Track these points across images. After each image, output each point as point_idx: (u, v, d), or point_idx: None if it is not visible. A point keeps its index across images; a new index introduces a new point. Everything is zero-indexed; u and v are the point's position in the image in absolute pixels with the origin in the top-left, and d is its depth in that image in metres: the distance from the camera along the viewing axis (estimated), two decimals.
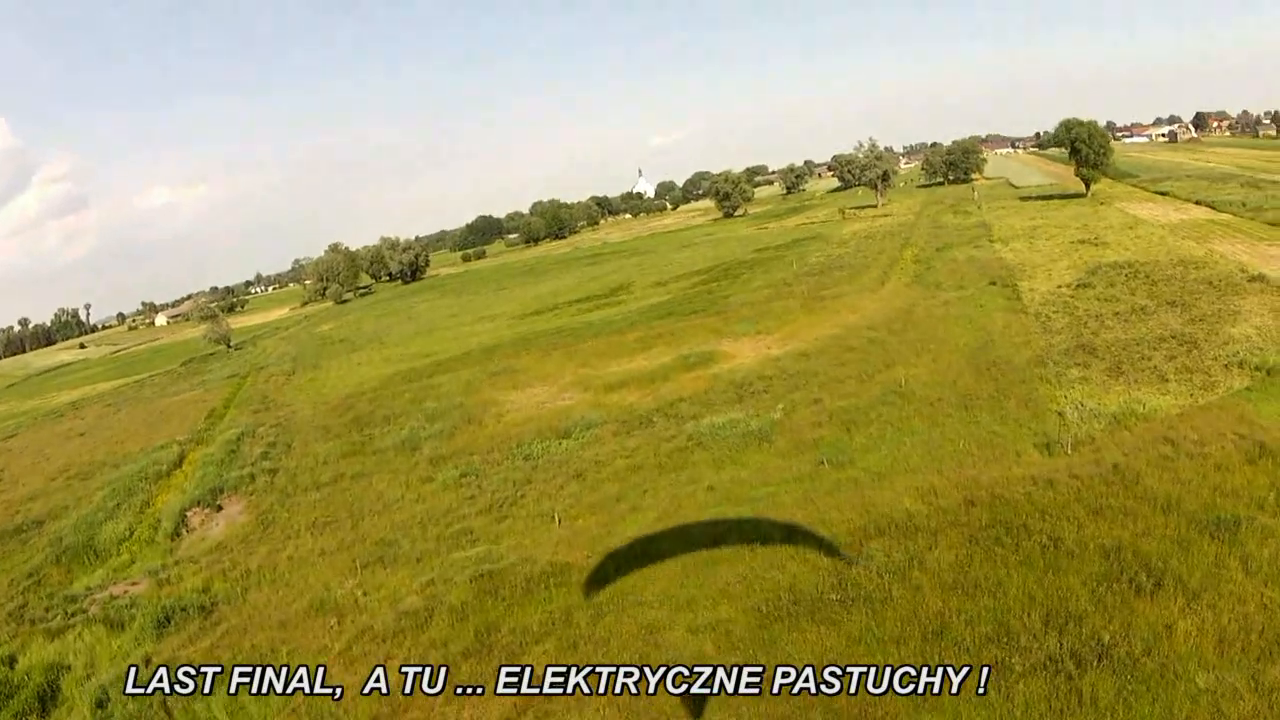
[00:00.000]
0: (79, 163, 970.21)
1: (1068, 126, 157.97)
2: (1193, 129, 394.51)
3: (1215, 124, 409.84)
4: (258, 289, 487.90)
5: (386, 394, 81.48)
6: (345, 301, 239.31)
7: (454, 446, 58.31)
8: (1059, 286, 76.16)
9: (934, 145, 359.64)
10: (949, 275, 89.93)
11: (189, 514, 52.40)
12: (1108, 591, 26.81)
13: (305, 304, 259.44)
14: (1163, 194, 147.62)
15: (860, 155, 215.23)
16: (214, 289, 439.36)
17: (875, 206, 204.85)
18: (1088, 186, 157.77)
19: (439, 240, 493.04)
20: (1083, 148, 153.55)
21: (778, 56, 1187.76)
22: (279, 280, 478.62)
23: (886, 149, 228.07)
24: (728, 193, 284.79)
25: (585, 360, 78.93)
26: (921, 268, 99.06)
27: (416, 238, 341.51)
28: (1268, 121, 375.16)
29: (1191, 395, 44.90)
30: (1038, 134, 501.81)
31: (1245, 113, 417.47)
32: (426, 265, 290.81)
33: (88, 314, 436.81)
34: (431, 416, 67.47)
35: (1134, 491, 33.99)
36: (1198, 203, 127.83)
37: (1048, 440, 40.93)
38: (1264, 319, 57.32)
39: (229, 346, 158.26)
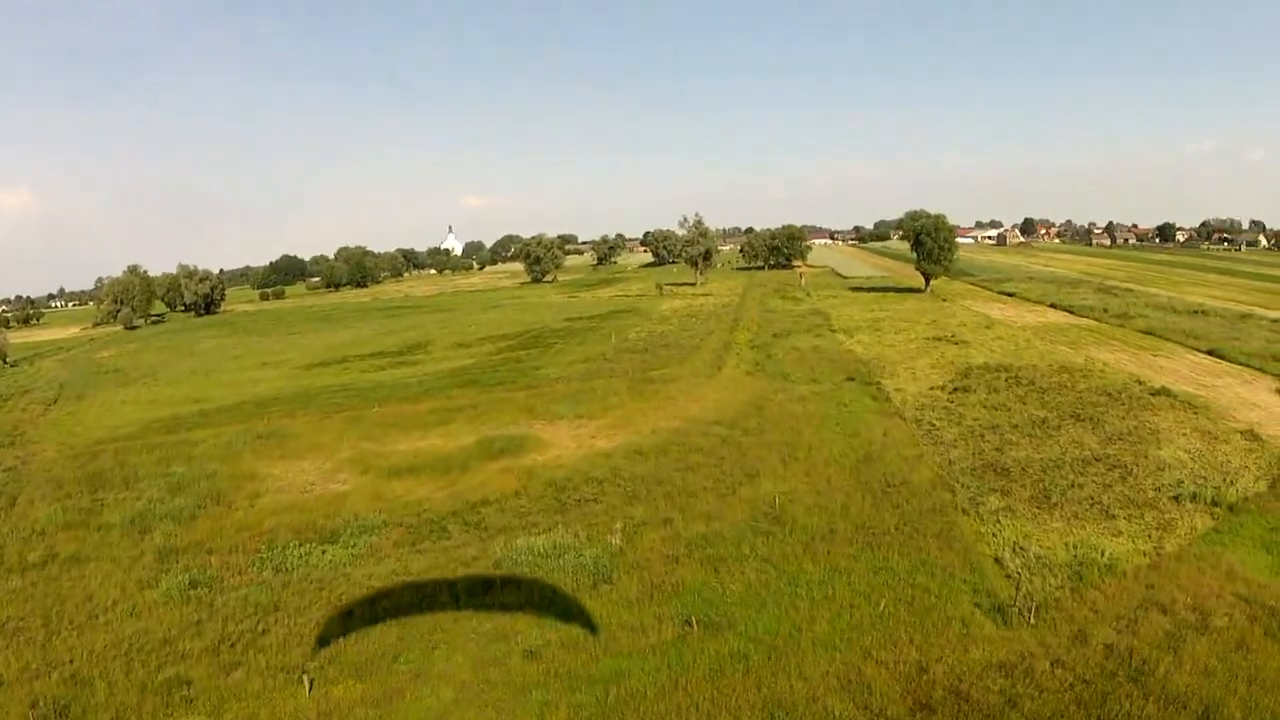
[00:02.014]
0: None
1: (913, 217, 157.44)
2: (1020, 234, 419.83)
3: (1043, 231, 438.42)
4: (59, 303, 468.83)
5: (138, 446, 68.57)
6: (135, 328, 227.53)
7: (191, 537, 45.67)
8: (931, 388, 70.48)
9: (748, 230, 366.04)
10: (796, 366, 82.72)
11: None
12: None
13: (96, 325, 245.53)
14: (1009, 295, 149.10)
15: (683, 231, 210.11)
16: (17, 298, 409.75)
17: (694, 285, 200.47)
18: (928, 281, 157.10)
19: (243, 275, 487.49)
20: (927, 241, 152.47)
21: (595, 133, 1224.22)
22: (81, 297, 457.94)
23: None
24: (539, 257, 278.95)
25: (369, 431, 67.02)
26: (760, 354, 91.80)
27: (222, 270, 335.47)
28: (1099, 230, 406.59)
29: (1150, 537, 38.50)
30: (857, 228, 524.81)
31: (1069, 222, 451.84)
32: (222, 299, 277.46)
33: None
34: (176, 487, 54.89)
35: (1150, 689, 26.32)
36: (1053, 305, 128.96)
37: (996, 601, 32.02)
38: (1190, 440, 53.19)
39: (4, 362, 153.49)
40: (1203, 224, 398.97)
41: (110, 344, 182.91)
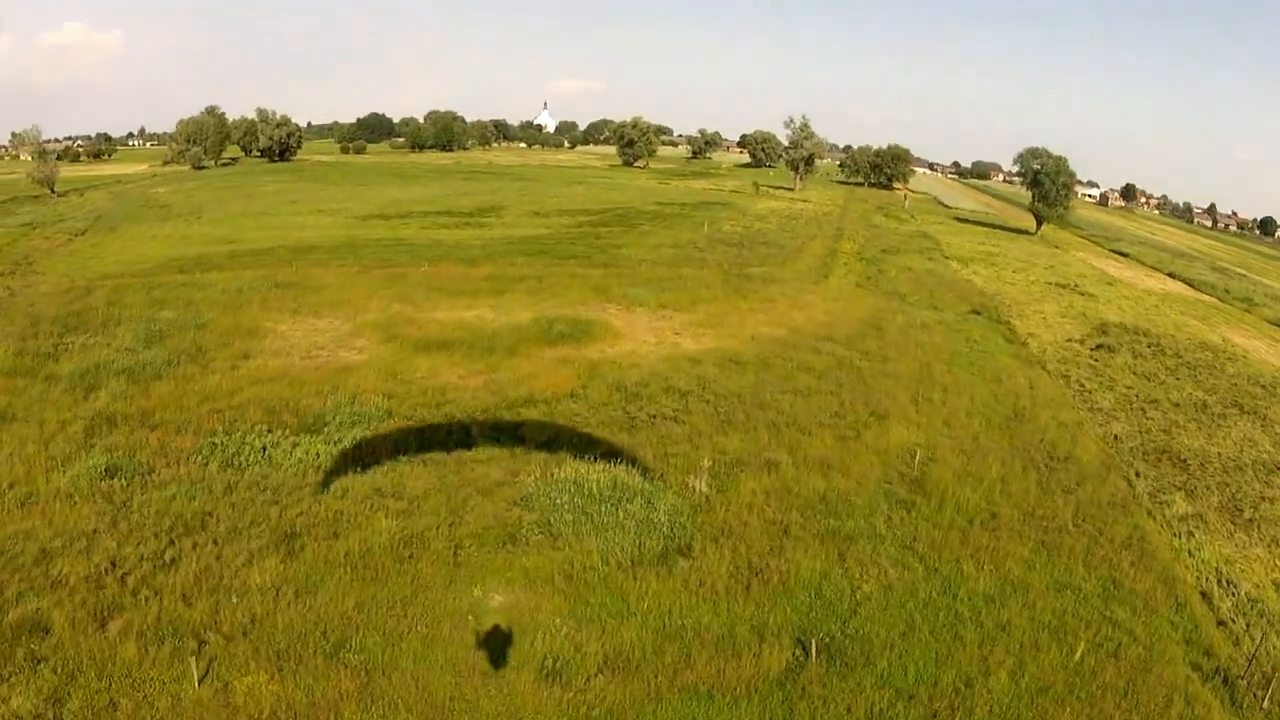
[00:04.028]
0: None
1: (1033, 155, 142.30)
2: (1121, 198, 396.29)
3: (1142, 200, 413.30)
4: (137, 142, 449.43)
5: (140, 285, 59.41)
6: (203, 168, 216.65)
7: (144, 403, 35.41)
8: (1068, 339, 60.49)
9: (846, 148, 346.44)
10: (911, 287, 72.00)
11: None
12: None
13: (166, 163, 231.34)
14: (1122, 254, 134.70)
15: (787, 133, 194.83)
16: (98, 134, 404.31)
17: (793, 190, 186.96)
18: (1039, 224, 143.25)
19: (330, 130, 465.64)
20: (1045, 181, 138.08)
21: (703, 29, 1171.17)
22: (161, 137, 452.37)
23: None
24: (633, 140, 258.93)
25: (408, 291, 56.99)
26: (870, 269, 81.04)
27: (309, 124, 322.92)
28: (1200, 210, 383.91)
29: None
30: (956, 163, 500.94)
31: (1165, 196, 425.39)
32: (299, 146, 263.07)
33: None
34: (154, 336, 45.05)
35: None
36: (1170, 275, 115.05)
37: (1217, 663, 22.28)
38: None
39: (52, 192, 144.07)
40: None
41: (171, 181, 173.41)
